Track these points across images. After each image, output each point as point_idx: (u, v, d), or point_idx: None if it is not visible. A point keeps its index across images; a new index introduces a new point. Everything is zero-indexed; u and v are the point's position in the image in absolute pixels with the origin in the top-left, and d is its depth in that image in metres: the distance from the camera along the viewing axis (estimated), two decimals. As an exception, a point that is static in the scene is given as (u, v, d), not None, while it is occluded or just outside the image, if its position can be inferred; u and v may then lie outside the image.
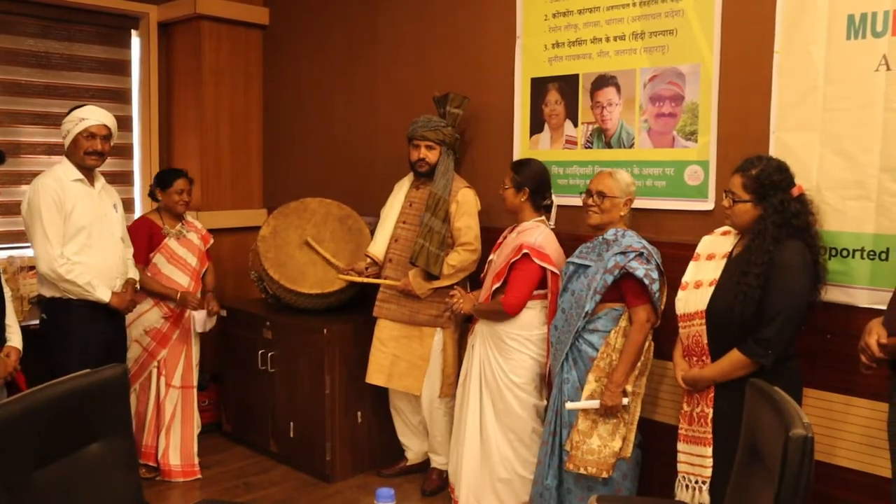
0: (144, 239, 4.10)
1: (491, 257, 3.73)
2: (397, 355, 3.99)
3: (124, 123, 5.26)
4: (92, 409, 2.06)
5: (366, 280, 4.10)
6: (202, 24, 5.11)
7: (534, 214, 3.57)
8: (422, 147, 3.93)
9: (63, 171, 3.56)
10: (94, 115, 3.60)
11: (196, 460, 4.27)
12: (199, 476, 4.25)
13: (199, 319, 4.22)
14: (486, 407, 3.55)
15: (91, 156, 3.59)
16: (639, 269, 3.02)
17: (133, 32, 5.27)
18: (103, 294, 3.58)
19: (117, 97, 5.23)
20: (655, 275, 3.03)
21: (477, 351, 3.61)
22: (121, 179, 5.27)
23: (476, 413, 3.58)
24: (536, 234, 3.48)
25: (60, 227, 3.48)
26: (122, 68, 5.25)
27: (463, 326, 4.07)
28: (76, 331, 3.57)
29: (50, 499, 1.93)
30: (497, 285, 3.51)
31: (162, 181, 4.25)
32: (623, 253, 3.07)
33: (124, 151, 5.28)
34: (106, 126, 3.65)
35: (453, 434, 3.80)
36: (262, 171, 5.52)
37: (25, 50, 4.82)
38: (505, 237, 3.70)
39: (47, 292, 3.56)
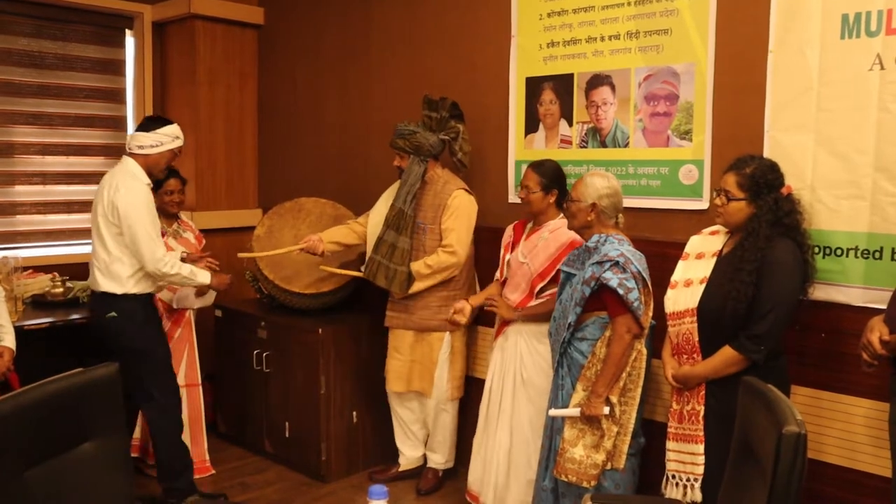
0: None
1: (507, 258, 3.68)
2: (414, 360, 3.99)
3: (118, 123, 5.25)
4: (84, 409, 2.05)
5: (343, 272, 4.08)
6: (196, 24, 5.11)
7: (557, 213, 3.55)
8: (397, 155, 3.95)
9: (142, 175, 3.61)
10: (182, 136, 3.74)
11: (207, 457, 4.27)
12: (213, 472, 4.26)
13: (180, 297, 4.18)
14: (522, 408, 3.51)
15: (166, 171, 3.79)
16: (612, 279, 2.95)
17: (127, 32, 5.26)
18: (204, 277, 3.74)
19: (111, 97, 5.21)
20: (632, 283, 2.95)
21: (514, 354, 3.55)
22: (115, 179, 5.26)
23: (508, 416, 3.54)
24: None
25: (158, 227, 3.62)
26: (117, 68, 5.24)
27: (471, 328, 4.07)
28: (151, 319, 3.71)
29: (42, 498, 1.92)
30: (542, 284, 3.48)
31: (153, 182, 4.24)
32: (599, 263, 3.00)
33: (119, 152, 5.24)
34: None
35: (476, 442, 3.74)
36: (257, 171, 5.51)
37: (19, 49, 4.81)
38: (516, 237, 3.66)
39: (118, 289, 3.57)
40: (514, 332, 3.57)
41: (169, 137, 3.66)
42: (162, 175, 3.78)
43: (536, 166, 3.57)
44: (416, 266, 3.84)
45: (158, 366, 3.69)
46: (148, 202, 3.57)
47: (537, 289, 3.50)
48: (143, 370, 3.64)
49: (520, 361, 3.54)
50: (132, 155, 3.64)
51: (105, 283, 3.59)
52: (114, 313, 3.59)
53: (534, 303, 3.51)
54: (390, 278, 3.83)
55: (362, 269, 3.96)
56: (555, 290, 3.43)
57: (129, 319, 3.59)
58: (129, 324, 3.60)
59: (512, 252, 3.66)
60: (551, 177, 3.51)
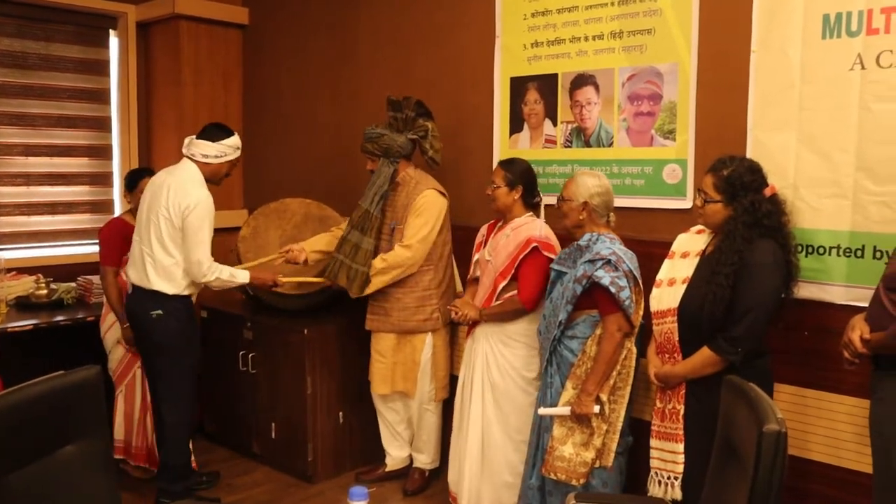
0: (119, 240, 4.07)
1: (476, 257, 3.71)
2: (397, 362, 3.98)
3: (103, 124, 5.23)
4: (66, 412, 2.03)
5: (302, 280, 4.08)
6: (181, 24, 5.09)
7: (524, 212, 3.56)
8: (368, 160, 3.95)
9: (204, 183, 3.67)
10: (240, 145, 3.81)
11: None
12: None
13: None
14: (489, 410, 3.52)
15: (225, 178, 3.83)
16: (604, 277, 2.97)
17: (111, 32, 5.25)
18: (243, 277, 3.79)
19: (95, 97, 5.19)
20: (623, 282, 2.97)
21: (480, 353, 3.56)
22: (100, 180, 5.24)
23: (478, 417, 3.54)
24: (538, 226, 3.47)
25: (210, 237, 3.66)
26: (101, 68, 5.22)
27: (453, 328, 4.07)
28: (191, 320, 3.76)
29: (24, 502, 1.91)
30: (504, 283, 3.48)
31: (128, 182, 4.22)
32: (592, 261, 3.02)
33: (103, 152, 5.25)
34: None
35: (452, 441, 3.75)
36: (243, 172, 5.49)
37: (2, 50, 4.78)
38: (485, 236, 3.68)
39: (170, 290, 3.63)
40: (481, 334, 3.58)
41: (232, 149, 3.73)
42: (220, 183, 3.81)
43: (505, 163, 3.60)
44: (374, 261, 3.82)
45: (185, 367, 3.73)
46: (210, 211, 3.61)
47: (500, 288, 3.50)
48: (171, 368, 3.70)
49: (485, 364, 3.54)
50: (194, 160, 3.68)
51: (158, 283, 3.62)
52: (160, 311, 3.63)
53: (495, 303, 3.52)
54: (351, 278, 3.81)
55: (327, 273, 3.91)
56: (514, 293, 3.45)
57: (172, 318, 3.65)
58: (172, 322, 3.65)
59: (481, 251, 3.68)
60: (516, 173, 3.52)
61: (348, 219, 4.03)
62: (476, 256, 3.72)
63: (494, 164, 4.00)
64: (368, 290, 3.82)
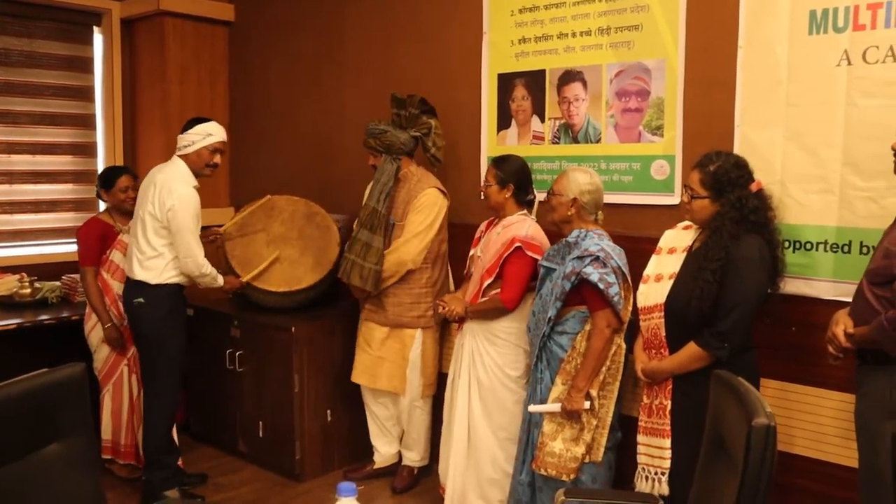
0: (97, 240, 4.05)
1: (471, 253, 3.72)
2: (383, 357, 3.97)
3: (87, 121, 5.19)
4: (51, 409, 2.01)
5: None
6: (166, 21, 5.05)
7: (517, 209, 3.55)
8: (370, 154, 3.94)
9: (188, 178, 3.74)
10: (218, 132, 3.82)
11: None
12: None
13: None
14: (475, 406, 3.52)
15: (212, 168, 3.83)
16: (593, 273, 2.97)
17: (95, 29, 5.21)
18: (221, 281, 3.94)
19: (80, 95, 5.15)
20: (612, 278, 2.98)
21: (467, 350, 3.56)
22: (84, 179, 5.20)
23: (464, 412, 3.55)
24: (526, 226, 3.45)
25: (199, 230, 3.77)
26: (85, 65, 5.18)
27: (444, 326, 4.06)
28: (175, 312, 3.82)
29: (7, 501, 1.89)
30: (489, 281, 3.48)
31: (105, 181, 4.18)
32: (580, 258, 3.03)
33: (88, 150, 5.20)
34: (224, 142, 3.87)
35: (443, 435, 3.76)
36: (229, 169, 5.46)
37: (-16, 47, 4.74)
38: (483, 232, 3.68)
39: (151, 280, 3.72)
40: (469, 330, 3.58)
41: (199, 136, 3.75)
42: (209, 172, 3.83)
43: (497, 161, 3.59)
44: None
45: (167, 358, 3.80)
46: (195, 207, 3.68)
47: (485, 285, 3.50)
48: (153, 357, 3.79)
49: (471, 360, 3.55)
50: (178, 156, 3.77)
51: (140, 273, 3.73)
52: (141, 299, 3.73)
53: (481, 300, 3.52)
54: (365, 277, 3.81)
55: (340, 273, 3.92)
56: (498, 290, 3.45)
57: (154, 307, 3.74)
58: (153, 311, 3.74)
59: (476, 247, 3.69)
60: (508, 171, 3.51)
61: (357, 218, 4.01)
62: (471, 252, 3.72)
63: (482, 161, 4.01)
64: (385, 285, 3.86)
